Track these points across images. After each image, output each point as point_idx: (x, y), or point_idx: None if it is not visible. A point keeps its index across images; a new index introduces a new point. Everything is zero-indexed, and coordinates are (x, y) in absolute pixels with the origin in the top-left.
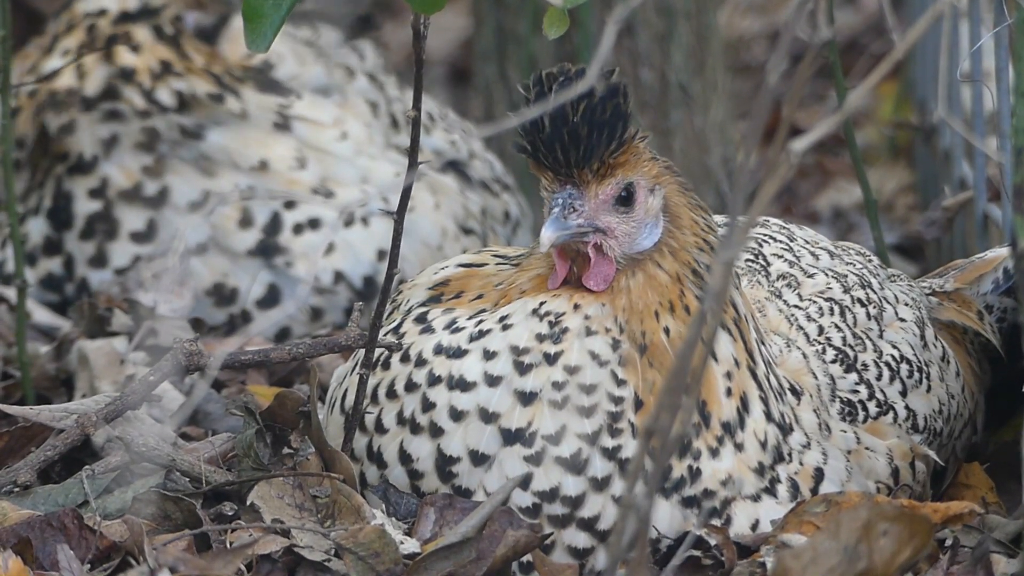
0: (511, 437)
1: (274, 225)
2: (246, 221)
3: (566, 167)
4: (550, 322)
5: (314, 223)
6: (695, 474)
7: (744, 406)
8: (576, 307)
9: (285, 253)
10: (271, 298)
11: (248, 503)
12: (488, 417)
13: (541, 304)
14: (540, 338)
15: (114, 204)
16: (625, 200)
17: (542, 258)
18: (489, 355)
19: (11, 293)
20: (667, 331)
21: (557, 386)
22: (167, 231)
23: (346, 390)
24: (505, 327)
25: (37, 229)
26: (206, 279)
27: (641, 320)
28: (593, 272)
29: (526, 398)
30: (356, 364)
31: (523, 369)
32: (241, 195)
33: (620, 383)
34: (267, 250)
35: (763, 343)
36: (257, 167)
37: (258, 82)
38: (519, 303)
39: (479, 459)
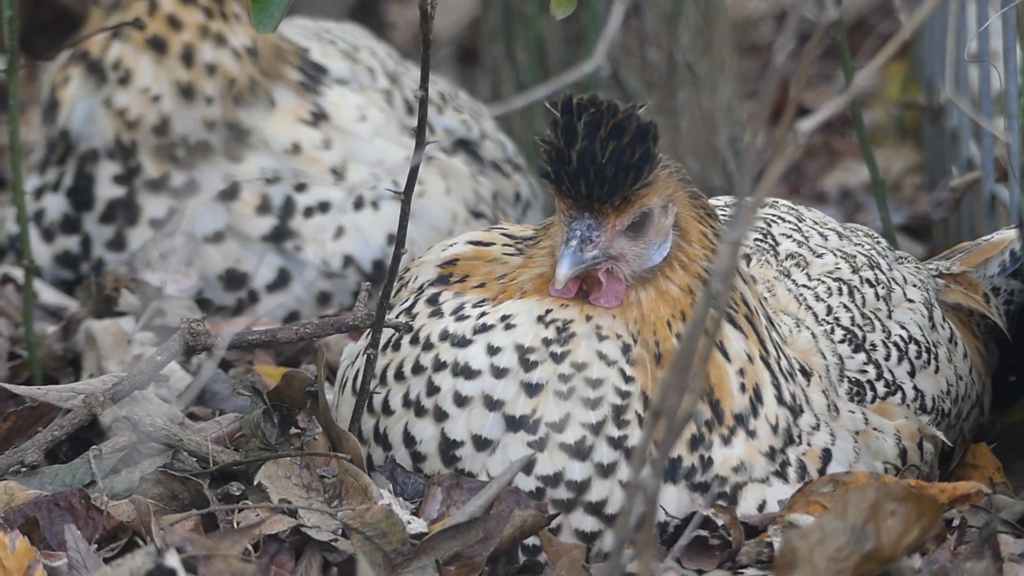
0: (515, 424)
1: (288, 209)
2: (264, 207)
3: (587, 200)
4: (558, 328)
5: (324, 206)
6: (706, 463)
7: (757, 396)
8: (588, 318)
9: (295, 237)
10: (280, 282)
11: (255, 483)
12: (492, 404)
13: (548, 312)
14: (547, 342)
15: (138, 192)
16: (638, 225)
17: (546, 256)
18: (493, 350)
19: (18, 273)
20: (679, 337)
21: (563, 378)
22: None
23: (358, 370)
24: (508, 327)
25: (55, 206)
26: (219, 265)
27: (654, 331)
28: (604, 293)
29: (531, 389)
30: (368, 344)
31: (528, 365)
32: (263, 178)
33: (628, 379)
34: (279, 235)
35: (773, 325)
36: (290, 150)
37: (302, 65)
38: (522, 304)
39: (482, 444)
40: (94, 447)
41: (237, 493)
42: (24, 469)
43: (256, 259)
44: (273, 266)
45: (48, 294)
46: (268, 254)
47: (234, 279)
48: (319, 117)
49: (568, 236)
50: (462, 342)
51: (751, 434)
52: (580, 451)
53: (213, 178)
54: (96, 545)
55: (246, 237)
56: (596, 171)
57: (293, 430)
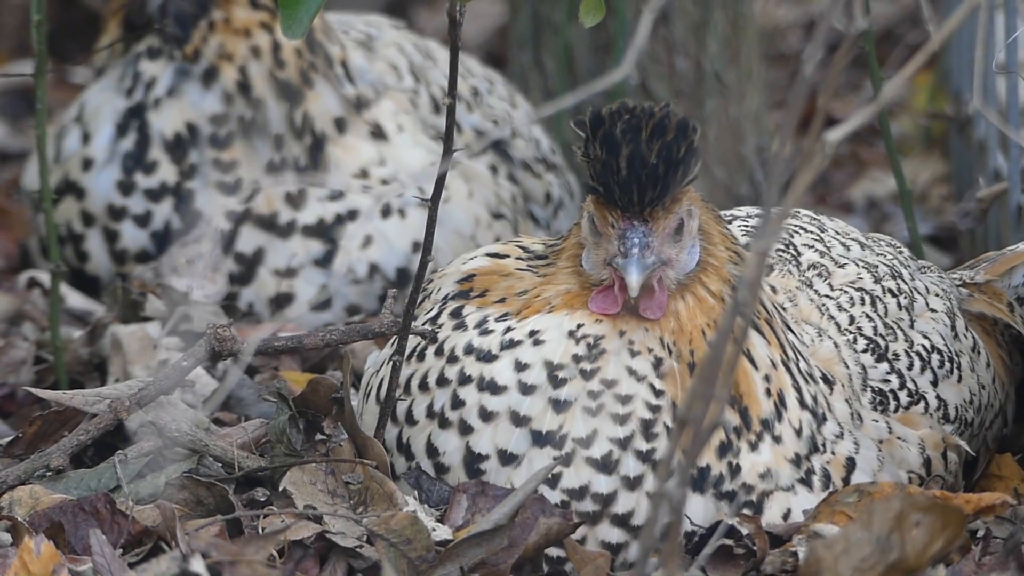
0: (541, 439)
1: (338, 228)
2: (326, 237)
3: (639, 206)
4: (588, 344)
5: (353, 214)
6: (735, 470)
7: (781, 401)
8: (621, 333)
9: (330, 247)
10: (324, 300)
11: (280, 489)
12: (519, 420)
13: (579, 327)
14: (577, 359)
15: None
16: (678, 229)
17: (570, 273)
18: (521, 366)
19: (45, 277)
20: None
21: (592, 395)
22: (274, 255)
23: (383, 379)
24: (537, 342)
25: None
26: (270, 289)
27: (690, 340)
28: (654, 302)
29: (559, 405)
30: (394, 352)
31: (557, 382)
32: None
33: (658, 393)
34: (329, 255)
35: (790, 329)
36: (359, 174)
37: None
38: (551, 319)
39: (508, 458)
40: (119, 452)
41: (262, 499)
42: (49, 473)
43: (304, 282)
44: (317, 284)
45: (74, 299)
46: (312, 272)
47: (282, 299)
48: (376, 130)
49: (627, 246)
50: (487, 357)
51: (777, 440)
52: (607, 465)
53: (308, 215)
54: (121, 550)
55: (305, 263)
56: (648, 173)
57: (318, 436)
